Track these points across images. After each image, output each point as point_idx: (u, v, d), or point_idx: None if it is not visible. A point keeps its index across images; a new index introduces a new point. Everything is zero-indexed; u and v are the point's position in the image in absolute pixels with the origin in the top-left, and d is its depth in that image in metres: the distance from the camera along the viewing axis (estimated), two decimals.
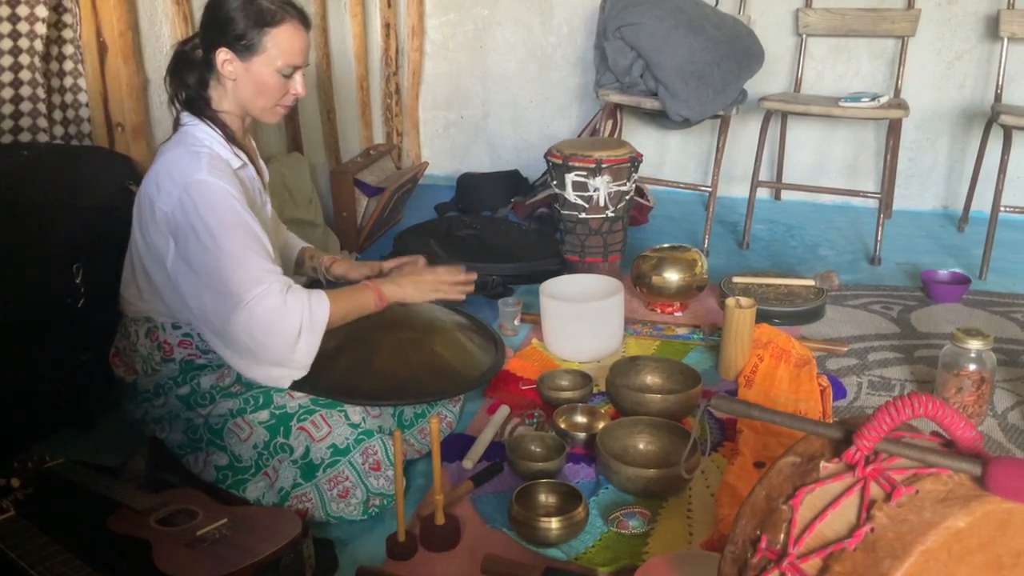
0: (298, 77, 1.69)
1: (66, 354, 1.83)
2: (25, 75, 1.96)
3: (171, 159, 1.61)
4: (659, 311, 2.55)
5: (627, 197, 2.69)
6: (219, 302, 1.55)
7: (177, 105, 1.70)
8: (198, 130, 1.65)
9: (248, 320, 1.53)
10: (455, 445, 1.84)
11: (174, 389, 1.69)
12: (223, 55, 1.63)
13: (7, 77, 1.94)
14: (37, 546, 1.32)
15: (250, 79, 1.65)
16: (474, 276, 1.91)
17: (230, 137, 1.69)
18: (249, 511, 1.49)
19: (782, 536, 0.95)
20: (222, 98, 1.69)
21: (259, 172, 1.81)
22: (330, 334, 1.73)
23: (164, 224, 1.58)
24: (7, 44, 1.93)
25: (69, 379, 1.85)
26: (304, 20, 1.69)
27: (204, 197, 1.55)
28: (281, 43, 1.63)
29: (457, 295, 1.86)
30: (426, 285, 1.82)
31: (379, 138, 3.78)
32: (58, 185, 1.83)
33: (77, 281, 1.83)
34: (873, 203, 3.29)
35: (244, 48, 1.62)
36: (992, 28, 3.25)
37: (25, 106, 1.98)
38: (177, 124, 1.70)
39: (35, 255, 1.76)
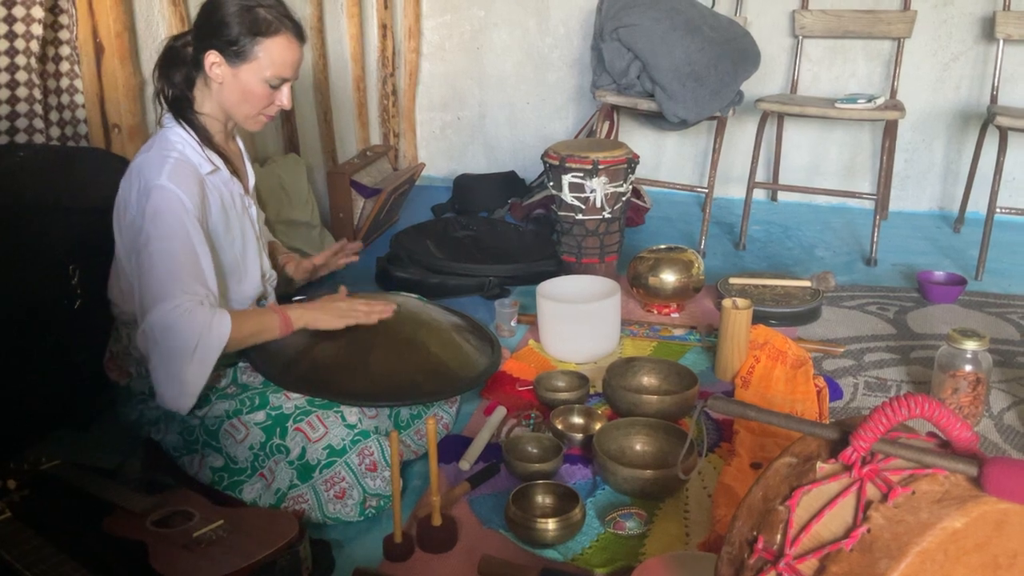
0: (285, 89, 1.69)
1: (62, 355, 1.82)
2: (21, 76, 1.96)
3: (142, 162, 1.62)
4: (656, 312, 2.55)
5: (624, 198, 2.70)
6: (141, 304, 1.58)
7: (162, 102, 1.70)
8: (172, 133, 1.65)
9: (154, 323, 1.53)
10: (452, 446, 1.84)
11: None
12: (212, 58, 1.62)
13: (3, 78, 1.93)
14: (33, 548, 1.32)
15: (236, 85, 1.65)
16: (392, 307, 1.82)
17: (207, 140, 1.68)
18: (245, 512, 1.49)
19: (779, 537, 0.95)
20: (205, 99, 1.68)
21: (240, 176, 1.78)
22: (327, 335, 1.74)
23: (128, 226, 1.60)
24: (3, 45, 1.93)
25: (65, 380, 1.84)
26: (300, 34, 1.68)
27: (155, 203, 1.56)
28: (273, 54, 1.63)
29: (369, 319, 1.77)
30: (338, 310, 1.75)
31: (376, 139, 3.78)
32: (54, 186, 1.83)
33: (73, 283, 1.83)
34: (869, 204, 3.30)
35: (235, 54, 1.62)
36: (988, 29, 3.26)
37: (21, 107, 1.97)
38: (159, 124, 1.70)
39: (31, 257, 1.75)
